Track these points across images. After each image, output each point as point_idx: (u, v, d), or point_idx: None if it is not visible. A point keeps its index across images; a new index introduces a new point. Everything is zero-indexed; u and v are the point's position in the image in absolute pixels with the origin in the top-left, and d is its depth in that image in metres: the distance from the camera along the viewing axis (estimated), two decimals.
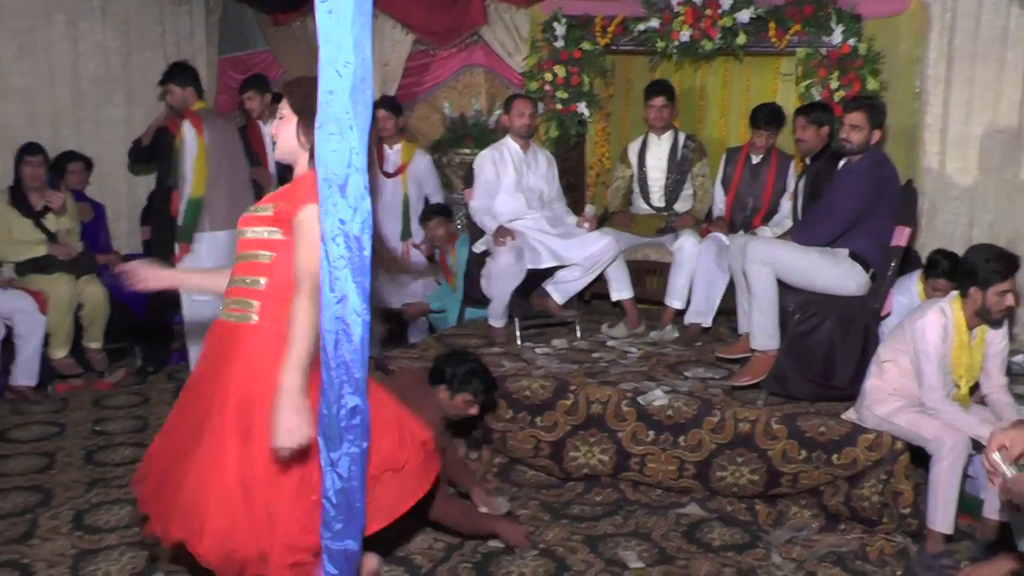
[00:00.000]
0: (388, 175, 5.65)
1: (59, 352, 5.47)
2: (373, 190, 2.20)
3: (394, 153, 5.77)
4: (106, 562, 3.44)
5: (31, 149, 5.49)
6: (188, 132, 5.08)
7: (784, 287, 4.10)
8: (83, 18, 6.66)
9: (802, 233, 4.29)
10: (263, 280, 2.56)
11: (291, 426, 2.33)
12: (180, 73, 5.29)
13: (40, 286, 5.34)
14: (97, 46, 6.77)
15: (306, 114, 2.46)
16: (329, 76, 2.07)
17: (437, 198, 6.02)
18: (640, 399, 4.03)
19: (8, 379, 5.30)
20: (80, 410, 5.28)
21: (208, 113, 5.40)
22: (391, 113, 5.72)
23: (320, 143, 2.10)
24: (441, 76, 6.82)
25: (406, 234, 5.77)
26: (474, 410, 3.70)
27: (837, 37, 4.98)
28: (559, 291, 5.04)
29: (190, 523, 2.49)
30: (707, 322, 4.99)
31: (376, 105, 5.37)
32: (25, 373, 5.29)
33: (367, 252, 2.16)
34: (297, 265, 2.44)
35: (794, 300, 4.07)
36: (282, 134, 2.61)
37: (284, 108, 2.61)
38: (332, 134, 2.09)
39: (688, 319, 5.00)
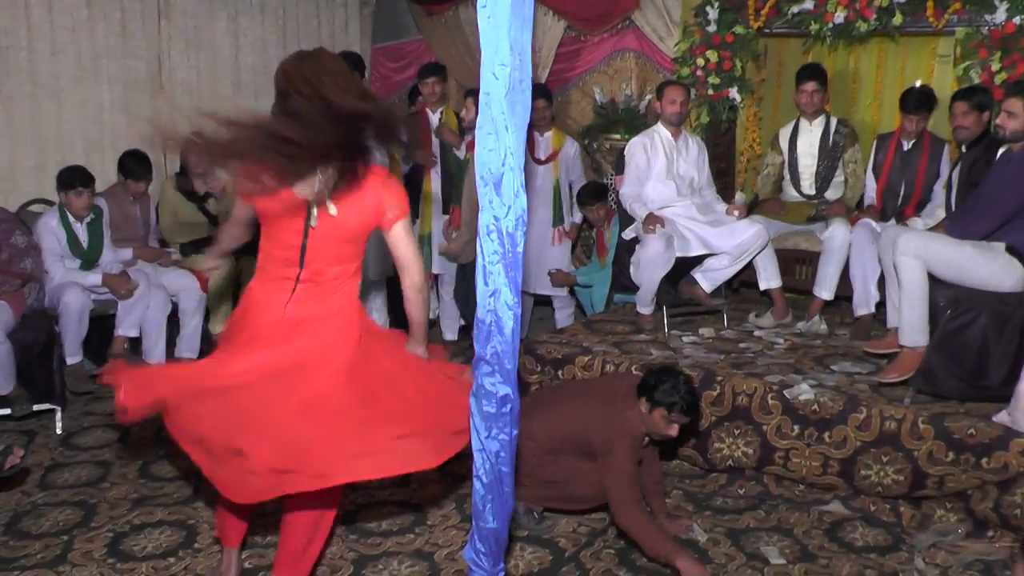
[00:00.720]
0: (539, 162, 5.72)
1: (218, 327, 5.81)
2: (524, 177, 2.27)
3: (545, 140, 5.84)
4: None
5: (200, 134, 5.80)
6: None
7: (935, 281, 3.97)
8: (243, 15, 7.00)
9: (956, 225, 4.13)
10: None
11: None
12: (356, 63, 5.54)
13: (202, 265, 5.67)
14: (256, 40, 7.10)
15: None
16: (487, 78, 2.15)
17: (580, 184, 6.07)
18: (786, 392, 4.00)
19: (173, 352, 5.62)
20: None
21: None
22: (546, 102, 5.77)
23: (478, 142, 2.19)
24: (592, 61, 6.83)
25: (557, 220, 5.85)
26: (672, 431, 3.44)
27: (1001, 15, 4.76)
28: (707, 279, 5.02)
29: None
30: (871, 309, 4.81)
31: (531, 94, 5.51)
32: (188, 346, 5.59)
33: (520, 249, 2.24)
34: None
35: (946, 295, 3.94)
36: None
37: None
38: (489, 134, 2.17)
39: (856, 310, 4.86)
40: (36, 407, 4.65)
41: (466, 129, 5.42)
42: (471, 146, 5.26)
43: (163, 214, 5.87)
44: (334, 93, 2.51)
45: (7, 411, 4.58)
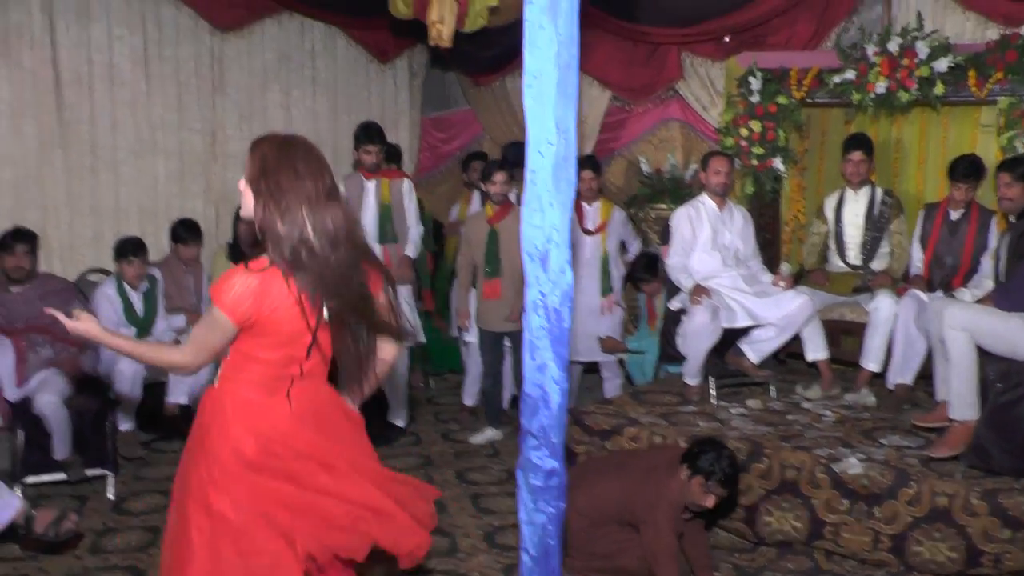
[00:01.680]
0: (588, 232, 5.73)
1: None
2: (573, 247, 2.31)
3: (593, 211, 5.84)
4: None
5: None
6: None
7: (985, 354, 3.92)
8: (295, 87, 7.25)
9: (1005, 298, 4.08)
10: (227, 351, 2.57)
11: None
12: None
13: None
14: (308, 111, 7.34)
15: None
16: (533, 156, 2.21)
17: (635, 245, 6.13)
18: (835, 466, 3.94)
19: None
20: None
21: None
22: (594, 173, 5.78)
23: (524, 218, 2.24)
24: (637, 131, 6.89)
25: (606, 290, 5.82)
26: (709, 502, 3.48)
27: None
28: (754, 350, 5.00)
29: None
30: (908, 381, 4.77)
31: (579, 165, 5.55)
32: None
33: (566, 324, 2.27)
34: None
35: (996, 368, 3.88)
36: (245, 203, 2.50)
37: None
38: (535, 211, 2.22)
39: (890, 380, 4.82)
40: (89, 472, 4.73)
41: (496, 202, 5.46)
42: (498, 216, 5.39)
43: (215, 281, 5.96)
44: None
45: (62, 476, 4.68)
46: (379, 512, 2.54)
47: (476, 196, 6.06)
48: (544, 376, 2.29)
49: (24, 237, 4.90)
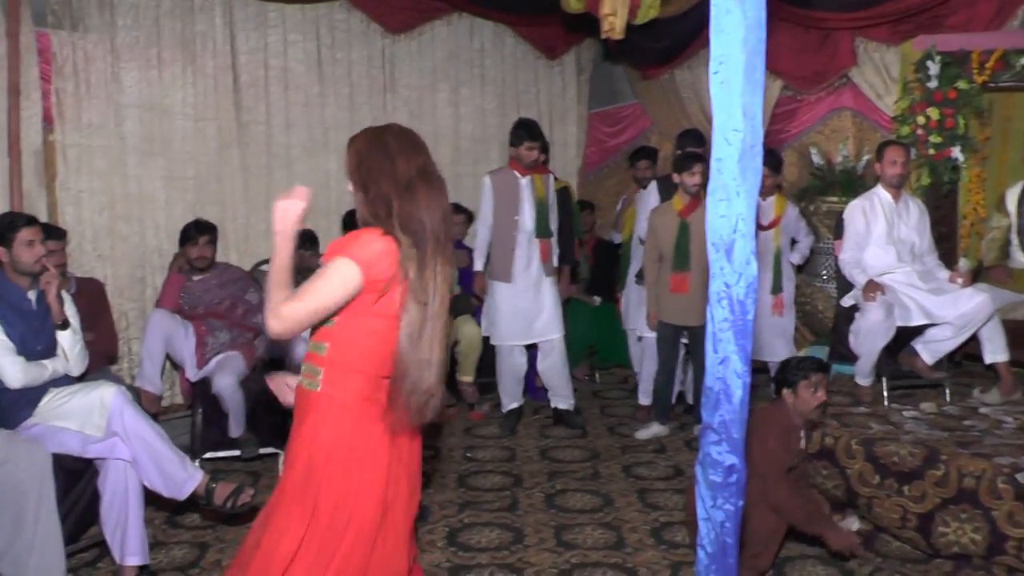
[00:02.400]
0: (762, 228, 5.59)
1: (466, 377, 6.13)
2: None
3: (768, 205, 5.70)
4: None
5: None
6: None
7: None
8: (464, 85, 7.38)
9: None
10: (326, 346, 2.48)
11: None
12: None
13: None
14: (476, 108, 7.46)
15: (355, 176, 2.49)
16: (719, 144, 2.16)
17: (806, 240, 5.93)
18: (1018, 476, 3.70)
19: None
20: (453, 436, 5.78)
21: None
22: (771, 171, 5.58)
23: (709, 208, 2.20)
24: (808, 121, 6.70)
25: (777, 287, 5.69)
26: (821, 394, 3.72)
27: None
28: (929, 351, 4.77)
29: None
30: None
31: None
32: None
33: (750, 316, 2.22)
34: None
35: None
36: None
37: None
38: (721, 200, 2.18)
39: None
40: (262, 450, 4.96)
41: (690, 194, 5.37)
42: (689, 209, 5.29)
43: None
44: None
45: (237, 453, 4.93)
46: None
47: (653, 187, 5.98)
48: (726, 369, 2.24)
49: (206, 229, 5.18)
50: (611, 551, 3.98)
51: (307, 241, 5.45)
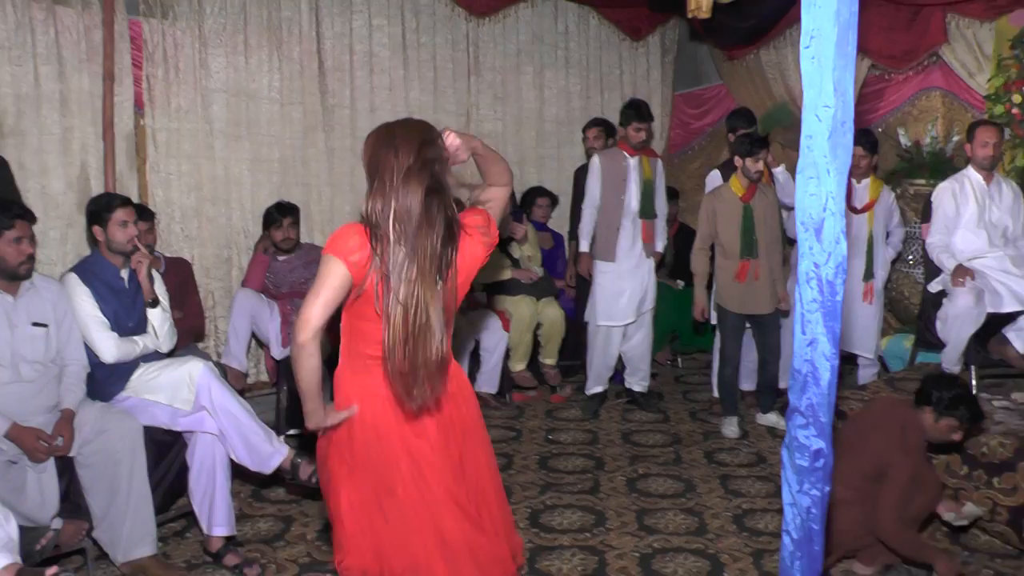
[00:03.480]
0: (855, 211, 5.42)
1: (518, 365, 6.08)
2: None
3: (862, 188, 5.48)
4: (559, 560, 3.73)
5: None
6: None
7: None
8: (548, 67, 7.35)
9: None
10: (339, 327, 2.62)
11: None
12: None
13: (504, 306, 5.98)
14: (561, 91, 7.42)
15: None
16: (810, 121, 2.10)
17: (899, 232, 5.69)
18: None
19: (473, 385, 5.90)
20: (535, 419, 5.78)
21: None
22: (865, 151, 5.36)
23: (799, 187, 2.15)
24: (896, 101, 6.48)
25: (869, 274, 5.46)
26: (958, 436, 3.59)
27: None
28: (1021, 339, 4.60)
29: None
30: None
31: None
32: (488, 381, 5.95)
33: (839, 297, 2.16)
34: None
35: None
36: None
37: None
38: (810, 178, 2.12)
39: None
40: None
41: (752, 179, 5.24)
42: (751, 193, 5.18)
43: None
44: None
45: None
46: None
47: (716, 173, 5.88)
48: (814, 351, 2.18)
49: (288, 211, 5.27)
50: (693, 537, 3.94)
51: None
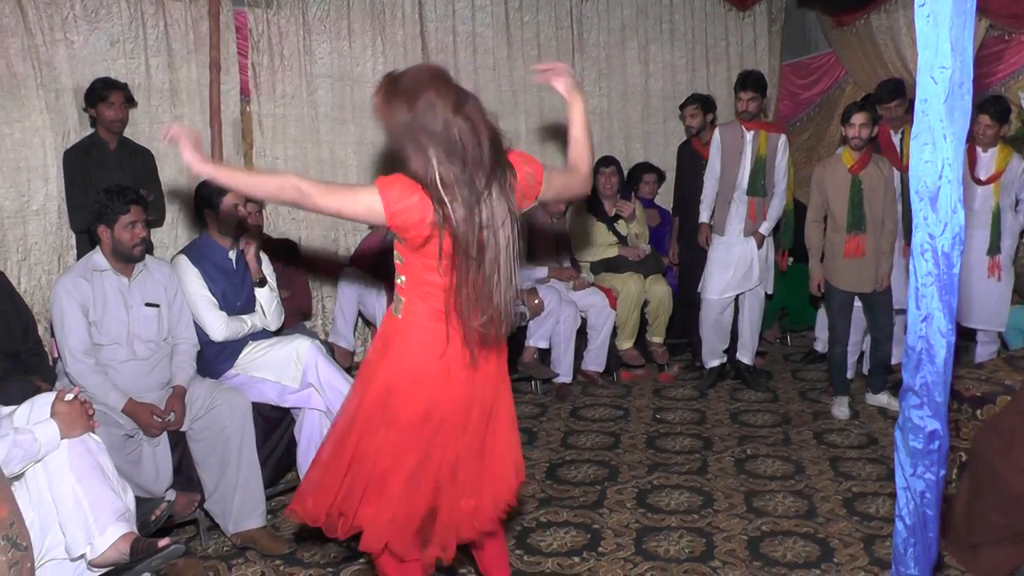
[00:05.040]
0: (979, 182, 5.10)
1: (625, 343, 6.02)
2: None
3: (988, 157, 5.14)
4: (667, 541, 3.66)
5: (606, 161, 6.11)
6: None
7: None
8: (653, 42, 7.20)
9: None
10: (403, 278, 2.53)
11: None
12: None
13: (611, 283, 5.92)
14: (666, 65, 7.26)
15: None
16: (925, 83, 1.99)
17: None
18: None
19: (580, 363, 5.92)
20: (642, 398, 5.71)
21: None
22: (993, 120, 5.03)
23: (913, 153, 2.04)
24: (1016, 64, 6.12)
25: (993, 248, 5.14)
26: None
27: None
28: None
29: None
30: None
31: (979, 108, 4.94)
32: (595, 360, 5.91)
33: (956, 271, 2.04)
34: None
35: None
36: None
37: None
38: (925, 144, 2.01)
39: None
40: None
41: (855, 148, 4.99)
42: (861, 165, 4.93)
43: (574, 234, 6.17)
44: None
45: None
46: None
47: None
48: (930, 327, 2.07)
49: None
50: (802, 520, 3.82)
51: None
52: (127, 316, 3.62)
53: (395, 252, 2.52)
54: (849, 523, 3.77)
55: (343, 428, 2.56)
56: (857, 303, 5.21)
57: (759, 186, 5.45)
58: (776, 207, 5.54)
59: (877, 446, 4.67)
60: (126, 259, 3.63)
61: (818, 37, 7.59)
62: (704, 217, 5.69)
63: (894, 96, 5.31)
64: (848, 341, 5.29)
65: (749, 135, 5.45)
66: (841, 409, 5.20)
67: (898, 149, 5.32)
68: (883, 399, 5.24)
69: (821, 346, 6.13)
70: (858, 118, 4.86)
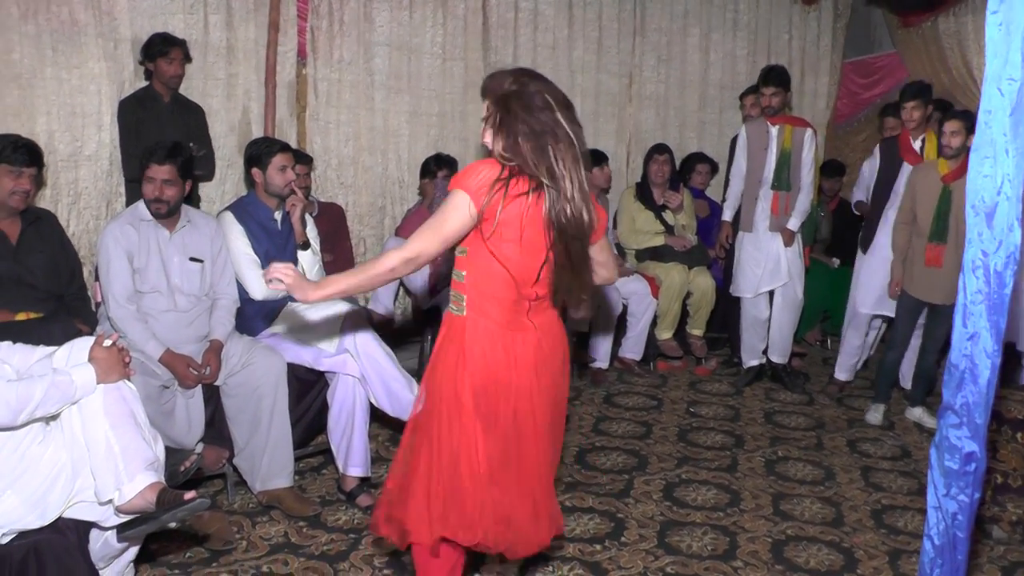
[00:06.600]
0: None
1: (665, 333, 5.98)
2: None
3: None
4: (690, 537, 3.65)
5: (659, 149, 6.06)
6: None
7: None
8: (716, 30, 7.09)
9: None
10: (464, 274, 2.55)
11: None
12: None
13: (655, 272, 5.87)
14: (727, 55, 7.16)
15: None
16: (990, 94, 1.92)
17: None
18: None
19: (618, 350, 5.89)
20: (677, 389, 5.68)
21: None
22: None
23: (972, 167, 1.97)
24: None
25: None
26: None
27: None
28: None
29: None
30: None
31: None
32: (633, 347, 5.89)
33: (1007, 290, 1.98)
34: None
35: None
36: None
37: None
38: (986, 157, 1.94)
39: None
40: None
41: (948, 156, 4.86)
42: (955, 174, 4.78)
43: (622, 220, 6.14)
44: None
45: None
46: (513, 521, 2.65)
47: (876, 151, 5.54)
48: (975, 347, 2.01)
49: (447, 163, 5.34)
50: (828, 528, 3.78)
51: None
52: (165, 268, 3.67)
53: (458, 246, 2.54)
54: (876, 535, 3.72)
55: (427, 441, 2.61)
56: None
57: (783, 180, 5.41)
58: (802, 201, 5.48)
59: (911, 459, 4.60)
60: (168, 214, 3.68)
61: (883, 36, 7.43)
62: (727, 216, 5.69)
63: (908, 97, 5.19)
64: (906, 348, 5.21)
65: (774, 129, 5.42)
66: (875, 415, 5.14)
67: (919, 156, 5.22)
68: (917, 413, 5.15)
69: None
70: (949, 125, 4.73)
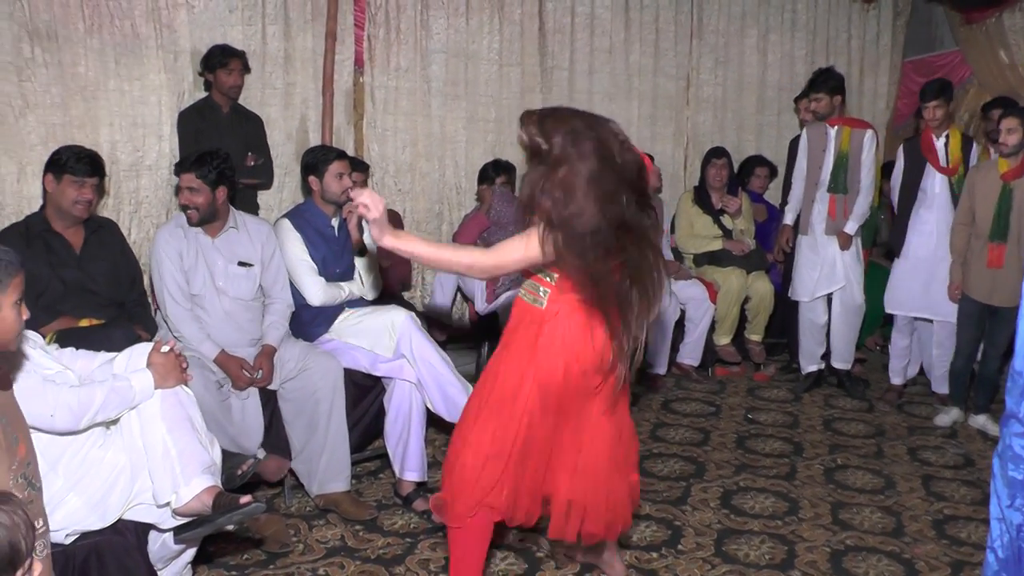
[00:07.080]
0: None
1: (723, 339, 5.93)
2: None
3: None
4: (747, 545, 3.61)
5: (717, 152, 6.02)
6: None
7: None
8: (773, 31, 7.00)
9: None
10: (555, 276, 2.69)
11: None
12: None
13: (713, 277, 5.83)
14: (785, 56, 7.06)
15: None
16: None
17: None
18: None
19: (676, 356, 5.86)
20: (735, 396, 5.62)
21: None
22: None
23: None
24: None
25: None
26: None
27: None
28: None
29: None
30: None
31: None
32: (691, 353, 5.87)
33: None
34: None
35: None
36: None
37: None
38: None
39: None
40: None
41: (1006, 154, 4.74)
42: (1015, 173, 4.68)
43: (679, 225, 6.11)
44: None
45: None
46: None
47: (899, 151, 5.45)
48: None
49: (505, 169, 5.36)
50: (888, 538, 3.70)
51: None
52: (210, 271, 3.73)
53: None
54: (937, 546, 3.64)
55: (499, 425, 2.73)
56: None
57: (840, 182, 5.33)
58: (861, 204, 5.37)
59: (974, 468, 4.49)
60: (206, 220, 3.73)
61: (944, 34, 7.25)
62: (789, 219, 5.63)
63: (930, 96, 5.09)
64: (972, 353, 5.08)
65: (832, 131, 5.36)
66: (944, 418, 5.07)
67: (941, 154, 5.13)
68: (980, 420, 5.02)
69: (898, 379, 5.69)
70: (1007, 123, 4.65)
